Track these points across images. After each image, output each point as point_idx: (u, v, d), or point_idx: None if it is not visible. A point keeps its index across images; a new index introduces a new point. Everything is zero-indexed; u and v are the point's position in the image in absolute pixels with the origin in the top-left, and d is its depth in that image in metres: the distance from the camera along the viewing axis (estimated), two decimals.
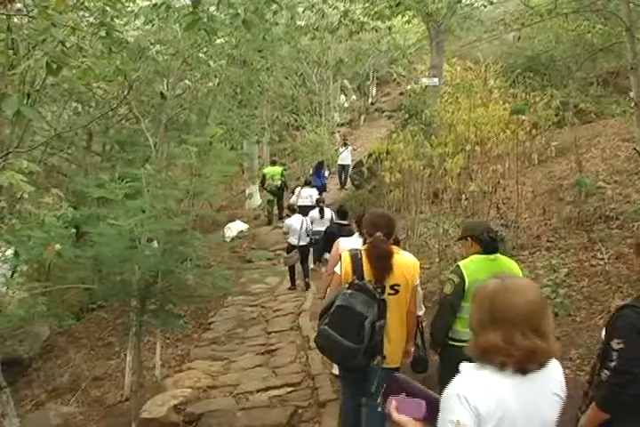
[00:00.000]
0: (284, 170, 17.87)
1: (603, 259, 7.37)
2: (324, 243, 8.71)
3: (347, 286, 3.74)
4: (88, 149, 12.02)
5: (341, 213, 9.02)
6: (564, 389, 2.10)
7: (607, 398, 2.71)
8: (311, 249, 11.03)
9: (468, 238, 4.35)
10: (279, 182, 16.69)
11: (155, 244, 6.60)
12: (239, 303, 11.10)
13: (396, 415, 2.07)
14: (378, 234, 3.85)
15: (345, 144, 20.20)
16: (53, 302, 10.75)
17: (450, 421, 1.88)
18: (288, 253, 11.16)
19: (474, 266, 4.14)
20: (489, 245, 4.21)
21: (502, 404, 1.90)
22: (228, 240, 15.52)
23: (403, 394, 2.15)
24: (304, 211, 11.79)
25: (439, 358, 4.36)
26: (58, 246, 5.70)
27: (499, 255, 4.29)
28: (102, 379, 8.86)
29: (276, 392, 6.48)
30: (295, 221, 11.09)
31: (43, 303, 9.52)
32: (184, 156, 6.45)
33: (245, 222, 17.39)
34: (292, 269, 11.39)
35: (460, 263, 4.25)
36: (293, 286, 11.47)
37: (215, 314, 10.67)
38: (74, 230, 10.09)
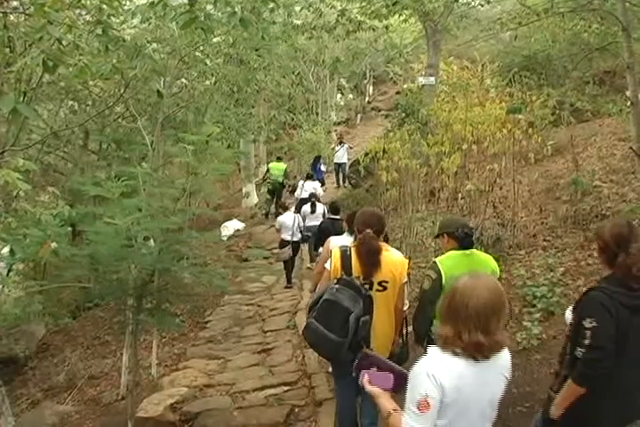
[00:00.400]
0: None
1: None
2: (317, 239, 9.22)
3: (335, 281, 3.81)
4: (84, 148, 11.99)
5: (334, 208, 9.30)
6: (510, 371, 2.52)
7: (583, 373, 2.93)
8: (305, 245, 11.36)
9: (445, 235, 4.47)
10: (281, 178, 17.08)
11: (151, 242, 6.58)
12: (235, 302, 11.10)
13: (368, 387, 2.55)
14: (368, 231, 3.94)
15: (341, 142, 20.22)
16: (49, 300, 10.76)
17: (419, 393, 2.29)
18: (281, 248, 11.35)
19: (450, 262, 4.28)
20: (464, 240, 4.33)
21: (461, 382, 2.30)
22: (225, 239, 15.52)
23: (373, 369, 2.58)
24: (305, 203, 12.10)
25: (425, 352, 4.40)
26: (54, 245, 5.69)
27: (474, 251, 4.42)
28: (98, 378, 8.84)
29: (272, 391, 6.47)
30: (287, 218, 11.40)
31: (38, 302, 9.54)
32: (181, 154, 6.43)
33: (242, 221, 17.40)
34: (287, 267, 11.50)
35: (437, 259, 4.40)
36: (290, 285, 11.55)
37: (212, 313, 10.66)
38: (70, 229, 10.07)
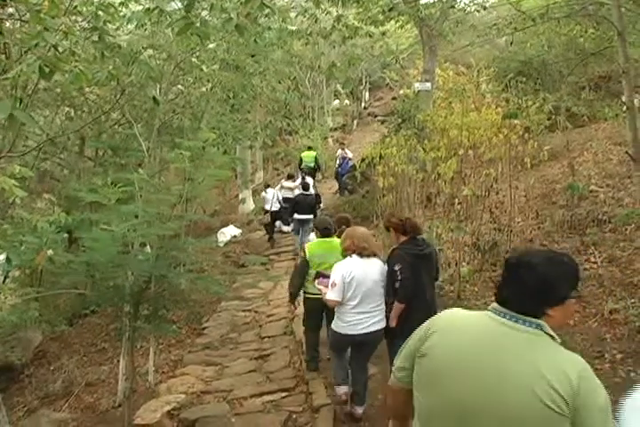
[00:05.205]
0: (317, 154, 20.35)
1: (596, 262, 7.39)
2: (291, 207, 13.21)
3: None
4: (81, 154, 11.99)
5: (305, 186, 13.49)
6: (383, 270, 5.12)
7: (401, 295, 5.01)
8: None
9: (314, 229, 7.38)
10: (312, 164, 18.83)
11: (147, 249, 6.57)
12: (233, 308, 11.05)
13: (317, 285, 5.50)
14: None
15: (342, 149, 20.24)
16: (46, 307, 10.73)
17: (332, 279, 4.99)
18: (264, 214, 15.67)
19: (314, 246, 6.42)
20: (323, 232, 6.44)
21: (353, 269, 4.96)
22: (222, 245, 15.51)
23: (321, 277, 5.53)
24: (286, 201, 15.03)
25: (304, 307, 6.77)
26: (50, 252, 5.67)
27: (333, 239, 6.30)
28: (95, 385, 8.80)
29: (269, 397, 6.44)
30: (269, 193, 15.23)
31: (35, 309, 9.49)
32: (177, 160, 6.43)
33: (239, 227, 17.37)
34: (267, 228, 15.62)
35: (306, 244, 6.61)
36: (271, 238, 15.54)
37: (209, 319, 10.62)
38: (66, 235, 10.07)
